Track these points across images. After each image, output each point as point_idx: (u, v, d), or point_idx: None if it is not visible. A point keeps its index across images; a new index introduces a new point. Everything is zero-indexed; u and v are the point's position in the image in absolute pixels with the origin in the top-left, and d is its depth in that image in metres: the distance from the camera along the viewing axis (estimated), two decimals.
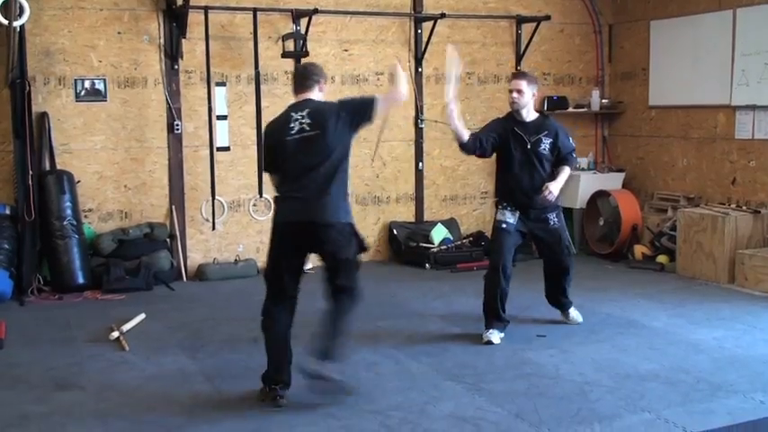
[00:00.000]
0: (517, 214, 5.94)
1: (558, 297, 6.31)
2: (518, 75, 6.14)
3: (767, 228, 7.82)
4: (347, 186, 4.85)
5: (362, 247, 4.90)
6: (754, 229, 7.77)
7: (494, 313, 5.90)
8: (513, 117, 5.98)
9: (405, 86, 4.91)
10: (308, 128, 4.69)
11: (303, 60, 8.30)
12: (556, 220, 6.03)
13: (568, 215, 9.41)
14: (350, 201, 4.91)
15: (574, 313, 6.33)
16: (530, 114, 5.96)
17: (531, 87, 5.89)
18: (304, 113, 4.74)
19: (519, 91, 5.86)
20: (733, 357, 5.48)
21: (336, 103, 4.83)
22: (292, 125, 4.73)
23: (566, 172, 5.98)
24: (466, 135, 5.84)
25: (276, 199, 4.90)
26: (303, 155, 4.70)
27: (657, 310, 6.71)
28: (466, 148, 5.93)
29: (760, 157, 8.10)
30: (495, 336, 5.83)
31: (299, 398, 4.75)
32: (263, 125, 7.68)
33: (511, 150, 5.92)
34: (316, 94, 4.88)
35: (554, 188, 5.81)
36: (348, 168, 4.83)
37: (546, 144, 5.89)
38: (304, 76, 4.95)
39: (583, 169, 9.53)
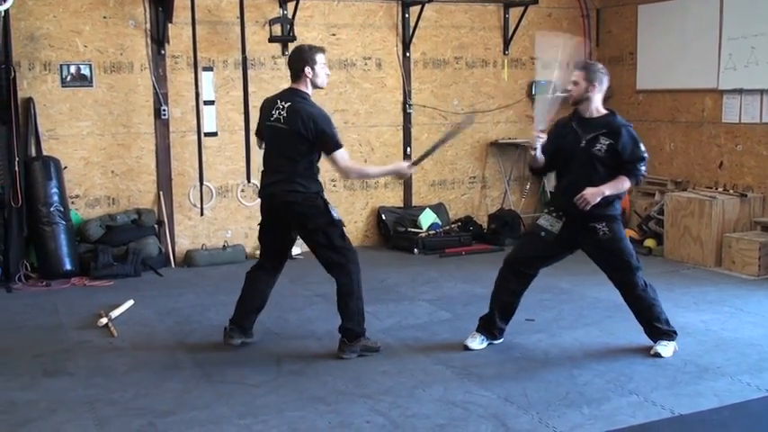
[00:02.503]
0: (561, 222, 5.16)
1: (642, 325, 5.32)
2: (577, 64, 5.27)
3: (754, 211, 7.87)
4: (313, 167, 5.24)
5: (334, 219, 5.24)
6: (741, 212, 7.81)
7: (488, 315, 5.42)
8: (577, 113, 5.23)
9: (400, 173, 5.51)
10: (282, 121, 5.14)
11: (290, 45, 8.30)
12: (606, 230, 5.08)
13: None
14: (316, 176, 5.26)
15: (660, 348, 5.20)
16: (593, 111, 5.15)
17: (592, 79, 5.07)
18: (285, 106, 5.16)
19: (574, 82, 5.13)
20: (720, 340, 5.51)
21: (312, 123, 5.09)
22: (273, 112, 5.19)
23: (620, 180, 5.03)
24: (542, 160, 5.26)
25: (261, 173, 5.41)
26: (274, 141, 5.24)
27: None
28: (539, 172, 5.50)
29: (747, 141, 8.13)
30: (474, 341, 5.38)
31: (288, 383, 4.77)
32: (251, 110, 7.75)
33: (565, 148, 5.18)
34: (304, 84, 5.20)
35: (589, 194, 4.94)
36: (315, 155, 5.21)
37: (603, 144, 5.03)
38: (290, 66, 5.29)
39: None
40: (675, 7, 8.80)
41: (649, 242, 8.49)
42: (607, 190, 4.99)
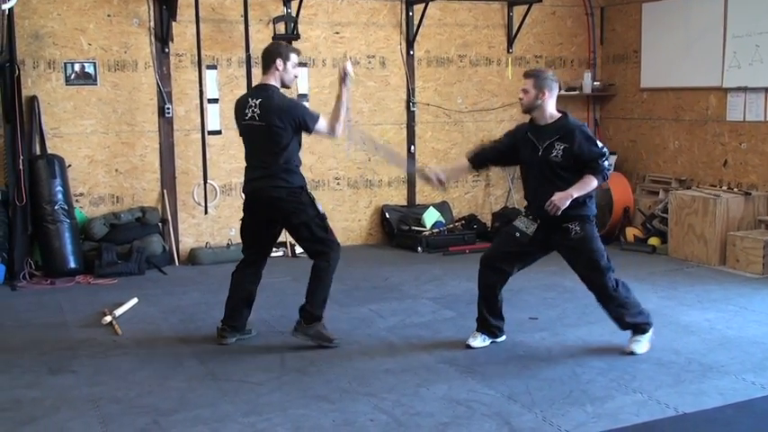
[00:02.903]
0: (536, 225, 5.19)
1: (614, 321, 5.32)
2: (526, 73, 5.27)
3: (758, 210, 7.85)
4: (293, 160, 5.29)
5: (319, 213, 5.33)
6: (745, 211, 7.79)
7: (479, 314, 5.44)
8: (531, 121, 5.25)
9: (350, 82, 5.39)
10: (257, 118, 5.20)
11: (294, 43, 8.30)
12: (578, 229, 5.09)
13: None
14: (298, 170, 5.33)
15: (633, 344, 5.22)
16: (546, 118, 5.15)
17: (542, 86, 5.08)
18: (257, 102, 5.22)
19: (524, 90, 5.14)
20: (724, 339, 5.51)
21: (288, 114, 5.17)
22: (246, 111, 5.25)
23: (586, 181, 5.03)
24: (465, 163, 5.53)
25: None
26: (251, 139, 5.33)
27: (649, 292, 6.74)
28: (475, 167, 5.56)
29: (751, 139, 8.11)
30: (476, 340, 5.41)
31: (292, 381, 4.78)
32: None
33: (525, 159, 5.25)
34: (274, 78, 5.27)
35: (558, 200, 4.95)
36: (295, 147, 5.28)
37: (559, 150, 5.04)
38: (263, 60, 5.36)
39: None
40: (680, 5, 8.78)
41: (653, 240, 8.49)
42: (575, 192, 4.99)
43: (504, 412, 4.30)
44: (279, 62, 5.25)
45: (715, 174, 8.53)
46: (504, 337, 5.47)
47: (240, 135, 5.47)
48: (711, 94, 8.51)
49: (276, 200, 5.23)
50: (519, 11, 9.29)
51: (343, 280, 7.23)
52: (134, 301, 6.49)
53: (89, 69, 7.73)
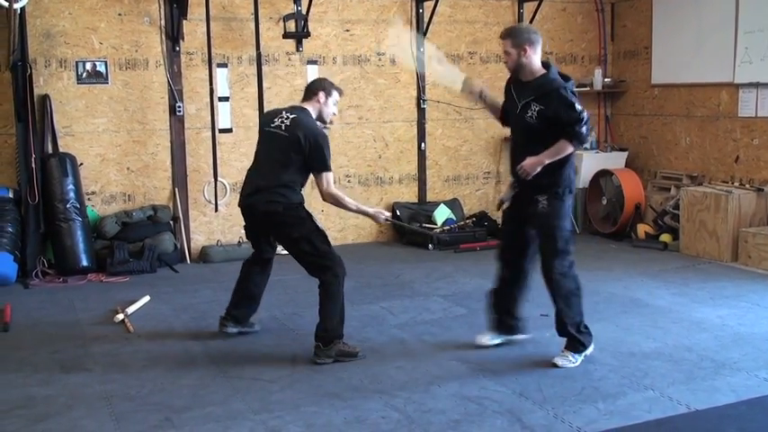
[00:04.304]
0: (515, 191, 5.06)
1: (555, 320, 5.06)
2: (502, 34, 4.99)
3: None
4: (298, 181, 5.23)
5: (318, 228, 5.24)
6: (757, 207, 7.76)
7: (489, 312, 5.35)
8: (516, 75, 5.01)
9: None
10: (283, 128, 5.18)
11: (304, 41, 8.33)
12: (545, 204, 4.87)
13: None
14: (299, 189, 5.24)
15: (559, 359, 4.96)
16: (531, 74, 4.89)
17: (521, 43, 4.82)
18: (290, 116, 5.21)
19: (506, 53, 4.91)
20: (736, 335, 5.49)
21: (313, 137, 5.13)
22: (276, 120, 5.25)
23: (560, 146, 4.77)
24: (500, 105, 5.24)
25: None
26: (269, 145, 5.27)
27: (661, 288, 6.72)
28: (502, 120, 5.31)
29: (763, 135, 8.08)
30: (483, 337, 5.32)
31: (303, 379, 4.79)
32: (266, 106, 7.79)
33: (508, 114, 5.08)
34: (312, 105, 5.31)
35: (528, 165, 4.77)
36: (304, 171, 5.21)
37: (534, 111, 4.80)
38: (307, 89, 5.44)
39: (585, 149, 9.53)
40: (691, 1, 8.75)
41: (665, 237, 8.46)
42: (546, 158, 4.77)
43: (515, 409, 4.30)
44: (321, 95, 5.28)
45: (727, 170, 8.50)
46: (521, 335, 5.34)
47: (258, 143, 5.39)
48: (723, 90, 8.48)
49: (272, 214, 5.13)
50: (529, 7, 9.27)
51: (354, 277, 7.23)
52: (146, 298, 6.51)
53: (100, 68, 7.75)
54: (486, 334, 5.35)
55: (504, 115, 5.20)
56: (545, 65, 4.94)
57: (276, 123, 5.20)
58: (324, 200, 5.26)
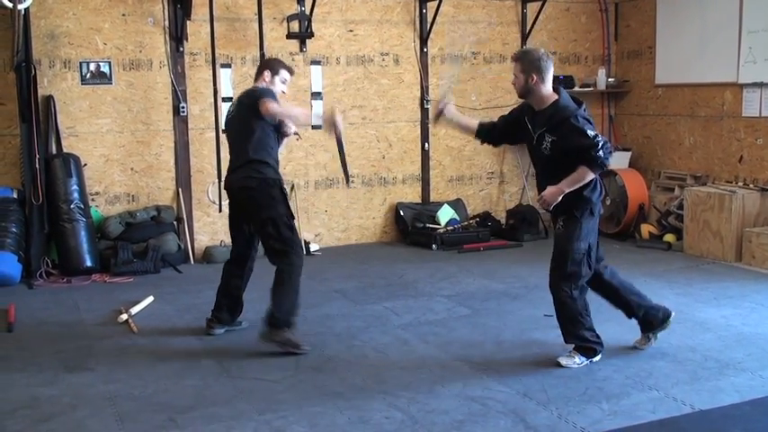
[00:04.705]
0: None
1: (561, 330, 5.04)
2: (513, 56, 4.98)
3: None
4: (266, 152, 5.32)
5: (288, 212, 5.32)
6: (761, 207, 7.75)
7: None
8: (529, 104, 4.93)
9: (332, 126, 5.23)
10: (233, 109, 5.48)
11: (308, 42, 8.33)
12: (561, 225, 4.89)
13: None
14: (273, 164, 5.36)
15: (564, 358, 4.93)
16: (541, 102, 4.81)
17: (529, 70, 4.75)
18: (237, 98, 5.52)
19: (514, 75, 4.87)
20: (740, 335, 5.48)
21: (250, 92, 5.38)
22: (230, 107, 5.57)
23: (579, 173, 4.70)
24: (474, 126, 5.21)
25: None
26: (229, 133, 5.52)
27: (665, 288, 6.72)
28: (480, 135, 5.22)
29: (767, 134, 8.06)
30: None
31: (307, 379, 4.79)
32: None
33: (526, 143, 5.03)
34: (259, 84, 5.44)
35: (548, 195, 4.78)
36: (266, 137, 5.32)
37: (547, 142, 4.77)
38: (257, 69, 5.62)
39: None
40: (695, 1, 8.74)
41: (669, 237, 8.45)
42: (566, 187, 4.73)
43: (519, 410, 4.29)
44: (267, 74, 5.45)
45: (731, 170, 8.49)
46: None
47: (227, 136, 5.61)
48: (727, 90, 8.47)
49: (246, 189, 5.29)
50: (533, 7, 9.27)
51: (357, 278, 7.25)
52: (150, 299, 6.52)
53: (104, 69, 7.76)
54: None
55: (512, 139, 5.33)
56: (555, 89, 4.84)
57: (230, 110, 5.52)
58: (272, 117, 5.23)
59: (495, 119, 5.32)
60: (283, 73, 5.46)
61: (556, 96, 4.80)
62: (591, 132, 4.69)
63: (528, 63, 4.76)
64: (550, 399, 4.43)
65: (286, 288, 5.21)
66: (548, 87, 4.80)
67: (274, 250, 5.28)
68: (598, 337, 5.00)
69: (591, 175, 4.75)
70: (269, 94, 5.28)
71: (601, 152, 4.66)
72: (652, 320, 5.18)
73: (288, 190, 5.40)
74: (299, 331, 5.33)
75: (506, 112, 5.25)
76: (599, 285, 5.12)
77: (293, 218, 5.38)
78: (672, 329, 5.53)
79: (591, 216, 4.91)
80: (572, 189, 4.74)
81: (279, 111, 5.23)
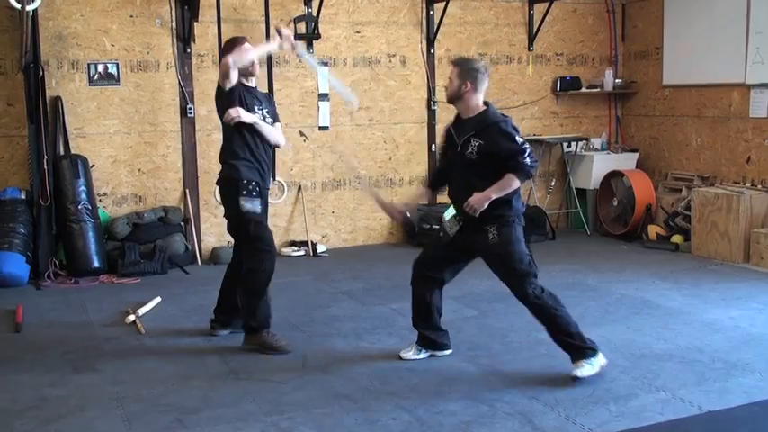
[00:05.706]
0: (459, 226, 4.95)
1: (555, 341, 4.86)
2: (452, 61, 4.96)
3: None
4: (238, 151, 5.28)
5: (254, 211, 5.27)
6: None
7: (413, 322, 5.19)
8: (457, 115, 4.94)
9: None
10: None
11: (315, 43, 8.33)
12: (495, 233, 4.74)
13: (582, 196, 9.42)
14: (241, 165, 5.26)
15: (578, 371, 4.70)
16: (469, 110, 4.81)
17: (465, 78, 4.76)
18: None
19: (449, 79, 4.86)
20: (748, 336, 5.47)
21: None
22: None
23: (506, 180, 4.65)
24: (423, 190, 5.48)
25: None
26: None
27: (672, 290, 6.70)
28: (433, 186, 5.35)
29: None
30: (407, 352, 5.15)
31: (314, 380, 4.79)
32: (276, 108, 7.77)
33: (449, 154, 4.96)
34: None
35: (476, 201, 4.66)
36: (239, 138, 5.28)
37: (473, 147, 4.69)
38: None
39: (596, 150, 9.54)
40: (702, 1, 8.72)
41: (676, 238, 8.44)
42: (493, 194, 4.64)
43: (526, 411, 4.29)
44: (230, 57, 5.26)
45: (738, 171, 8.46)
46: (448, 351, 5.16)
47: None
48: (734, 91, 8.45)
49: (220, 187, 5.42)
50: (540, 8, 9.26)
51: (364, 279, 7.25)
52: (157, 300, 6.53)
53: (112, 70, 7.78)
54: (411, 347, 5.18)
55: (448, 165, 5.01)
56: (485, 103, 4.85)
57: None
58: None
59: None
60: (239, 46, 5.35)
61: (485, 107, 4.83)
62: (519, 139, 4.69)
63: (465, 71, 4.78)
64: (558, 400, 4.42)
65: (249, 291, 5.27)
66: (478, 98, 4.81)
67: (245, 250, 5.35)
68: (582, 337, 4.79)
69: (517, 183, 4.69)
70: (220, 84, 5.28)
71: (528, 159, 4.64)
72: (434, 341, 5.14)
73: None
74: (279, 334, 5.36)
75: (440, 155, 5.22)
76: (429, 287, 5.07)
77: (262, 217, 5.32)
78: (680, 330, 5.54)
79: (520, 224, 4.84)
80: (499, 196, 4.67)
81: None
